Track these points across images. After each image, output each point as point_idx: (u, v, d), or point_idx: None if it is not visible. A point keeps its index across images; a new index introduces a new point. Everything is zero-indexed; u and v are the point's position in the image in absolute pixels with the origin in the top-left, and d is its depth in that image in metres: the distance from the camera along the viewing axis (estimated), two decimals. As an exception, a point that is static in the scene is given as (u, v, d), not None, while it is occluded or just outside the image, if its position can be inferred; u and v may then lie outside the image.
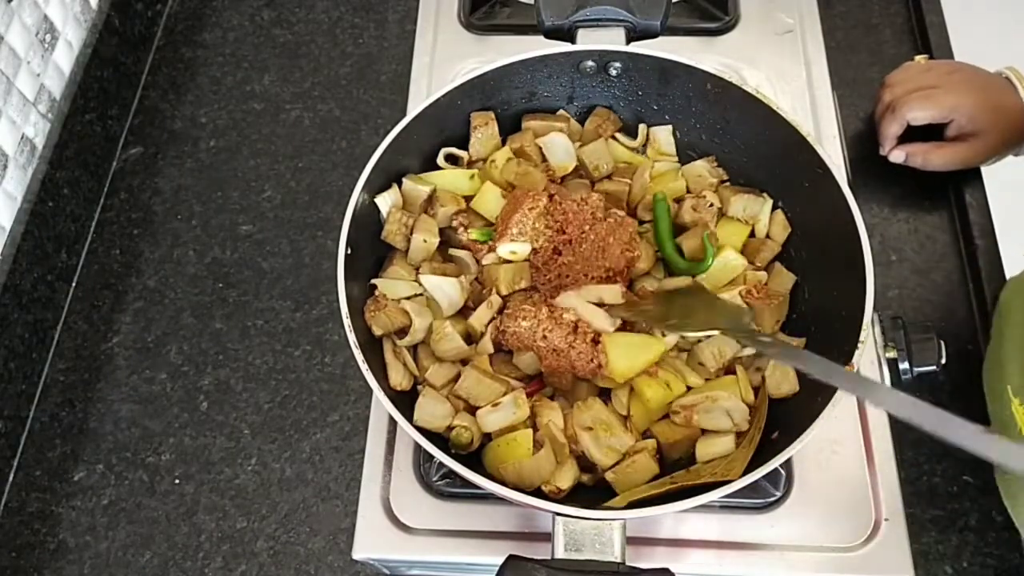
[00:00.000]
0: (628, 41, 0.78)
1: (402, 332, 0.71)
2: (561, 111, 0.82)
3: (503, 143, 0.80)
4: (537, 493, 0.65)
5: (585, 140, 0.81)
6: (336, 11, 1.11)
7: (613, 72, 0.78)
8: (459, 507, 0.75)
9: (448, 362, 0.71)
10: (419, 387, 0.71)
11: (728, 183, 0.80)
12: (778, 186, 0.77)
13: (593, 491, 0.68)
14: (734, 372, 0.71)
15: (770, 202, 0.77)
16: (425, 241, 0.74)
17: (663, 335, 0.71)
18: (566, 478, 0.67)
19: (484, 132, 0.79)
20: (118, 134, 1.02)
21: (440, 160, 0.79)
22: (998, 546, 0.76)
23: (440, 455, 0.61)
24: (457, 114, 0.79)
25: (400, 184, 0.76)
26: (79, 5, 0.97)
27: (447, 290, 0.72)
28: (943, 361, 0.73)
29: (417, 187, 0.75)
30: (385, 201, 0.74)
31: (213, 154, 1.01)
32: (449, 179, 0.78)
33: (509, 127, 0.81)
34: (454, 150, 0.79)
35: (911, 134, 0.91)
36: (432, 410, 0.68)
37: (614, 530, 0.58)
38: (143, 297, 0.92)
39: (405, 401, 0.69)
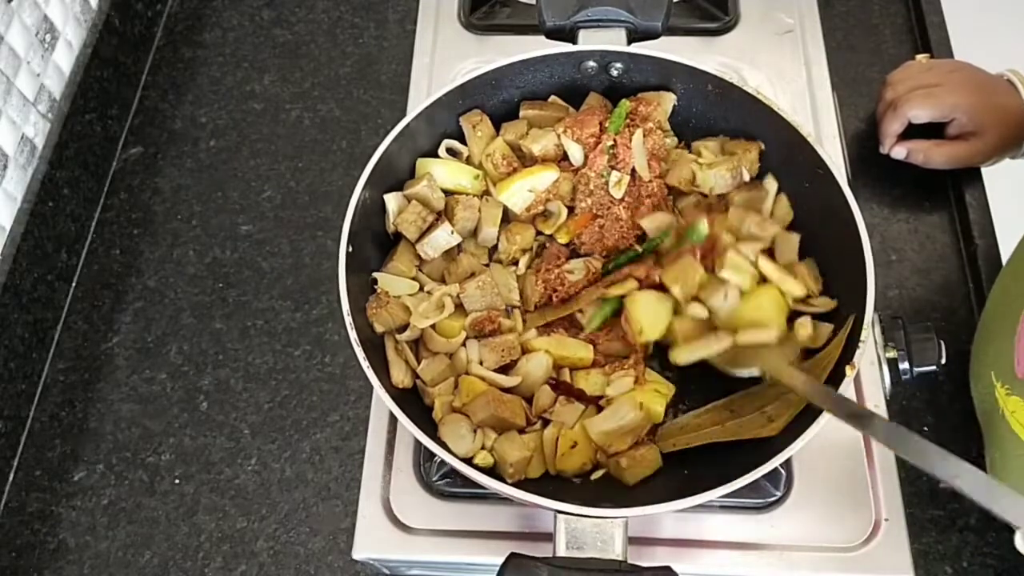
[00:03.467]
0: (629, 42, 0.78)
1: (404, 329, 0.71)
2: (553, 97, 0.81)
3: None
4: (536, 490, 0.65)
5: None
6: (336, 11, 1.11)
7: (614, 72, 0.78)
8: (459, 507, 0.75)
9: (442, 355, 0.71)
10: (418, 382, 0.71)
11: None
12: (778, 185, 0.77)
13: (593, 490, 0.68)
14: None
15: (775, 184, 0.76)
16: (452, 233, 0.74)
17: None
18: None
19: (481, 130, 0.78)
20: (118, 134, 1.02)
21: (441, 151, 0.78)
22: (998, 546, 0.76)
23: (442, 453, 0.61)
24: (458, 114, 0.79)
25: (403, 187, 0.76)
26: (79, 5, 0.97)
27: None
28: (943, 361, 0.73)
29: (432, 193, 0.75)
30: (393, 200, 0.74)
31: (213, 154, 1.01)
32: (455, 172, 0.77)
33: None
34: (455, 144, 0.79)
35: (911, 133, 0.91)
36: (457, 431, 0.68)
37: (616, 528, 0.58)
38: (143, 297, 0.92)
39: (407, 399, 0.69)
